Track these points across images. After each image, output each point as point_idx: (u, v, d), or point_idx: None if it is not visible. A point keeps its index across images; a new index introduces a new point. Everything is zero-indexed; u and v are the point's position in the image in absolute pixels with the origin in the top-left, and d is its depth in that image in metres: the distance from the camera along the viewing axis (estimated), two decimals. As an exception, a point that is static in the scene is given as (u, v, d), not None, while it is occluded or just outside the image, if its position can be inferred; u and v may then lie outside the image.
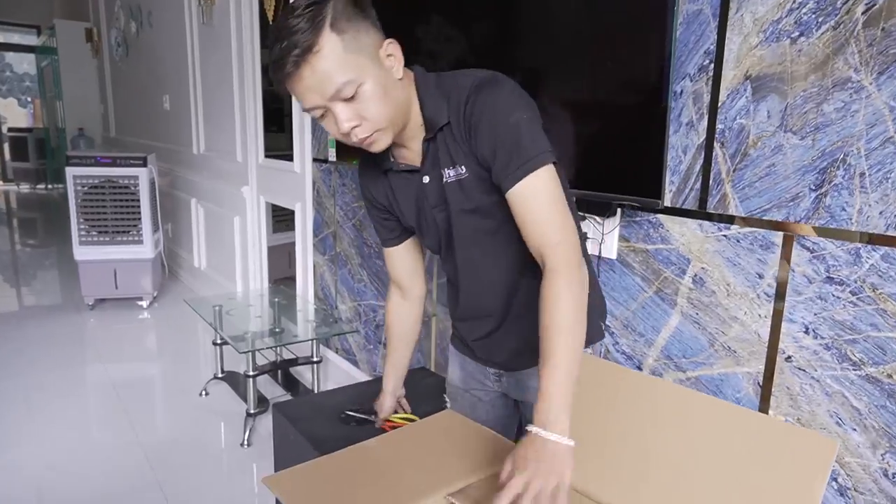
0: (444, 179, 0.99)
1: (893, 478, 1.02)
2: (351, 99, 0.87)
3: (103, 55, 6.05)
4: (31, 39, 9.48)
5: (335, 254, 2.60)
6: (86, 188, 3.60)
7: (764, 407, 1.18)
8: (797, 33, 1.06)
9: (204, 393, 2.70)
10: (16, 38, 9.68)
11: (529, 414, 0.92)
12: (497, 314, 1.08)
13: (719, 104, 1.19)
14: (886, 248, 0.99)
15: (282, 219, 3.61)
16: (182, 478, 2.08)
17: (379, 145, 0.94)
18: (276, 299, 2.75)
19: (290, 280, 3.29)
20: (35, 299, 4.19)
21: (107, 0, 5.68)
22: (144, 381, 2.93)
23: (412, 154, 1.02)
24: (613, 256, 1.41)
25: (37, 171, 9.54)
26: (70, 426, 2.42)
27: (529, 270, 0.98)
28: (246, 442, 2.29)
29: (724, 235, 1.21)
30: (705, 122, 1.21)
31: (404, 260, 1.19)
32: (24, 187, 9.58)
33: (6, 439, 2.29)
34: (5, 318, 3.74)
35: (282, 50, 0.83)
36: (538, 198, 0.88)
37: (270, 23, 2.88)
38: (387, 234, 1.16)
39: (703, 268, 1.25)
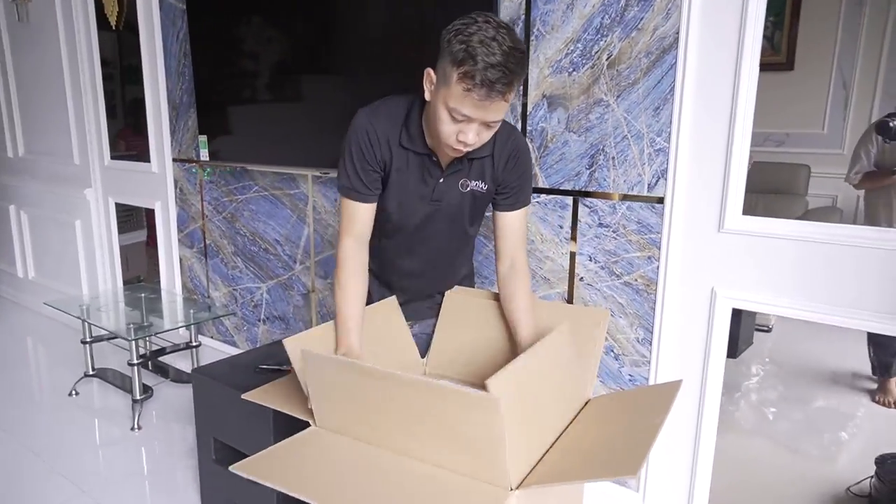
0: (463, 188, 1.34)
1: (640, 342, 1.68)
2: (485, 126, 1.16)
3: None
4: None
5: (204, 246, 2.81)
6: None
7: (569, 313, 1.79)
8: (571, 69, 1.66)
9: (74, 393, 2.75)
10: None
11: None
12: (430, 274, 1.50)
13: (528, 113, 1.76)
14: (628, 202, 1.64)
15: (125, 219, 3.62)
16: (78, 470, 2.21)
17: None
18: (143, 294, 2.88)
19: (137, 279, 3.37)
20: None
21: None
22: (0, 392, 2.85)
23: (443, 157, 1.31)
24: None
25: None
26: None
27: (461, 253, 1.53)
28: (136, 426, 2.45)
29: (538, 202, 1.79)
30: (520, 125, 1.78)
31: (369, 213, 1.36)
32: None
33: None
34: None
35: (496, 73, 1.06)
36: (525, 222, 1.42)
37: (114, 28, 2.94)
38: (369, 190, 1.32)
39: (525, 225, 1.82)
